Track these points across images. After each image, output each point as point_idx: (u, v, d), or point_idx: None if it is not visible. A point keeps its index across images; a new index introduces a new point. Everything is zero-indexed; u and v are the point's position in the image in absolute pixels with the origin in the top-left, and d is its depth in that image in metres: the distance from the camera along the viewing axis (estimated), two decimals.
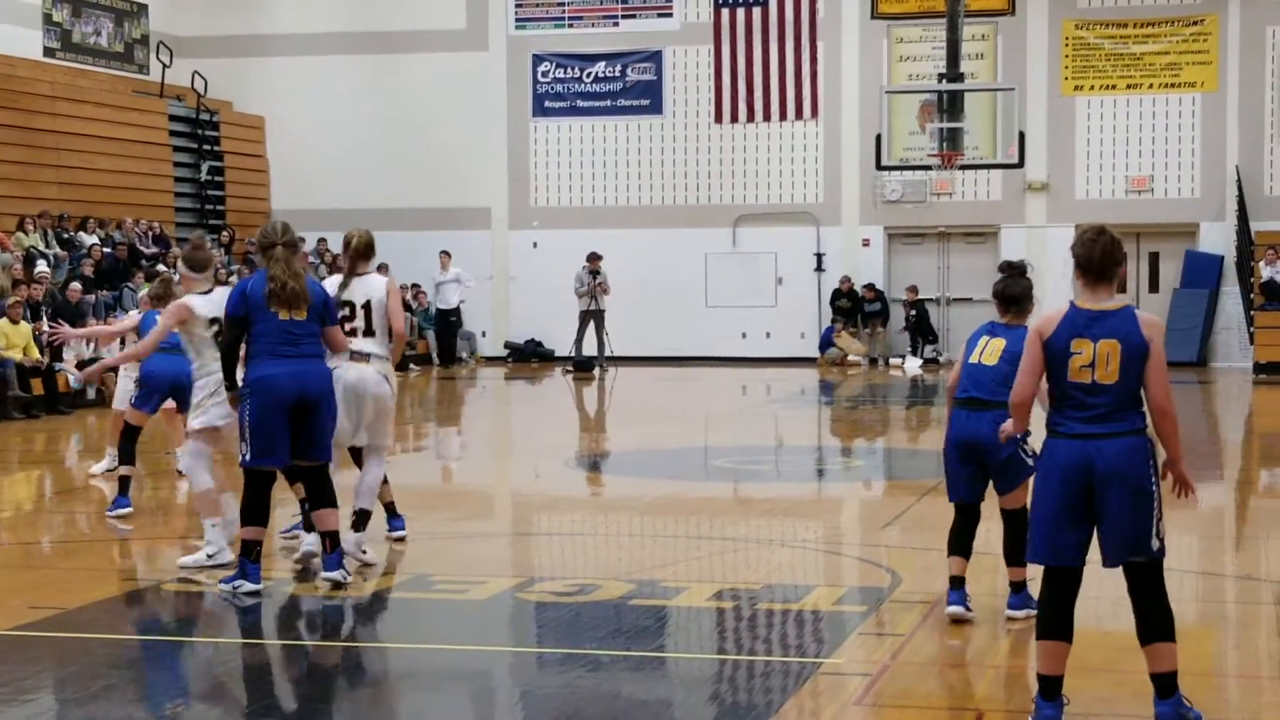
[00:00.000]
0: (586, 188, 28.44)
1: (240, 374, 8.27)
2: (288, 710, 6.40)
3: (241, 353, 8.28)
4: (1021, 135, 23.46)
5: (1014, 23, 26.83)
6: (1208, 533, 10.09)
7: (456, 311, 27.65)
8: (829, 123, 27.52)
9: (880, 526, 10.58)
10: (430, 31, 28.60)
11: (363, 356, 8.75)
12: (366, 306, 8.83)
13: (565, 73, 28.39)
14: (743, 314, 27.75)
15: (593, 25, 28.28)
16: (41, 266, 21.09)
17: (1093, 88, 26.81)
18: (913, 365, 26.50)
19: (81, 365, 17.35)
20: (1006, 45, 26.78)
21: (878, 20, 27.25)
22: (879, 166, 24.54)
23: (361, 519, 8.85)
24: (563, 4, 28.33)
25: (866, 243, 27.66)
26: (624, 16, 28.17)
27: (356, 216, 28.03)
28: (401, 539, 9.41)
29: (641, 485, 12.87)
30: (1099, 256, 5.62)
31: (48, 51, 25.61)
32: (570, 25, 28.37)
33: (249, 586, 8.10)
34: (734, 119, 27.79)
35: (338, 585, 8.23)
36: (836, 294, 27.47)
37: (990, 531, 7.94)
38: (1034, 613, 7.17)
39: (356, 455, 9.11)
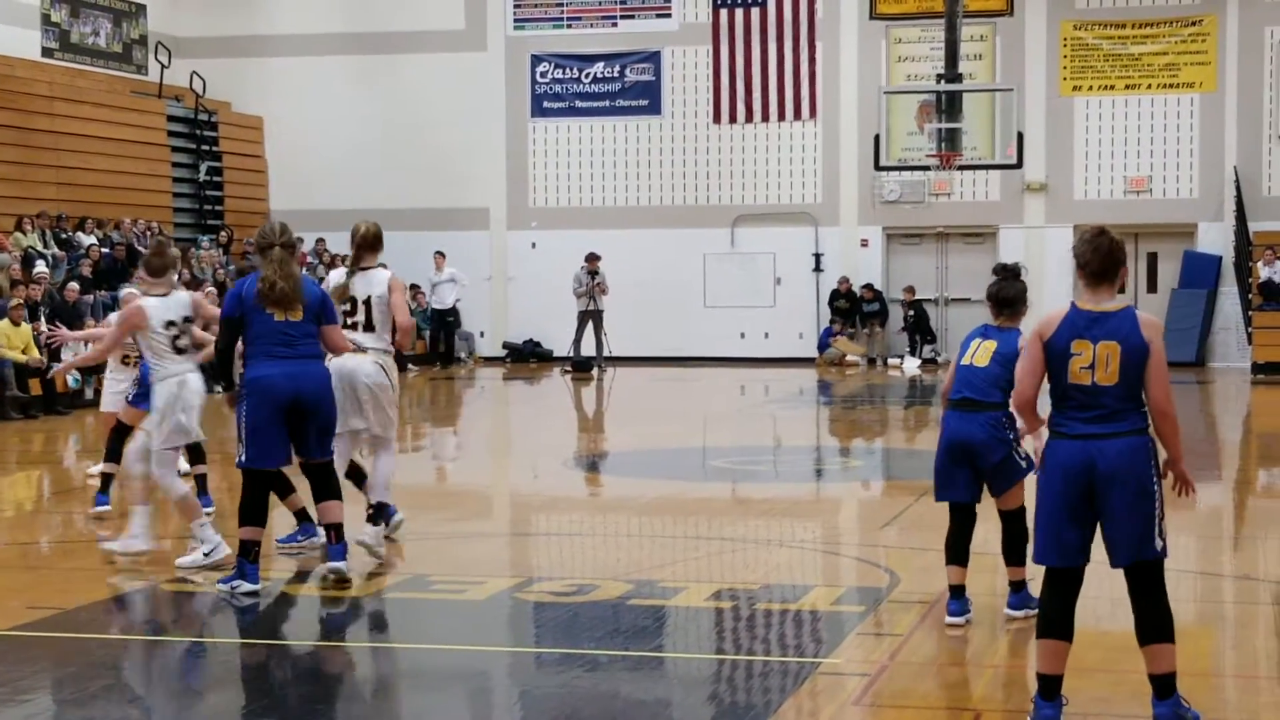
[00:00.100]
0: (585, 188, 28.44)
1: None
2: (286, 710, 6.39)
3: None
4: (1020, 136, 23.47)
5: (1012, 23, 26.84)
6: (1206, 533, 10.09)
7: (453, 312, 27.64)
8: (827, 123, 27.53)
9: (879, 527, 10.58)
10: (429, 32, 28.61)
11: (360, 350, 8.77)
12: (368, 302, 8.84)
13: (564, 73, 28.40)
14: (741, 314, 27.75)
15: (591, 26, 28.29)
16: (40, 267, 21.09)
17: (1091, 88, 26.82)
18: (911, 365, 26.51)
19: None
20: (1005, 46, 26.79)
21: (876, 21, 27.26)
22: (877, 167, 24.56)
23: (379, 512, 8.87)
24: (561, 4, 28.33)
25: (865, 243, 27.67)
26: (623, 17, 28.17)
27: (355, 217, 27.89)
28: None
29: (640, 485, 12.88)
30: (1100, 257, 5.62)
31: (46, 52, 25.60)
32: (569, 26, 28.37)
33: (247, 586, 8.11)
34: (732, 119, 27.80)
35: (342, 578, 8.25)
36: (835, 294, 27.47)
37: (989, 532, 7.94)
38: (1033, 612, 7.18)
39: (352, 475, 9.12)
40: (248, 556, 8.14)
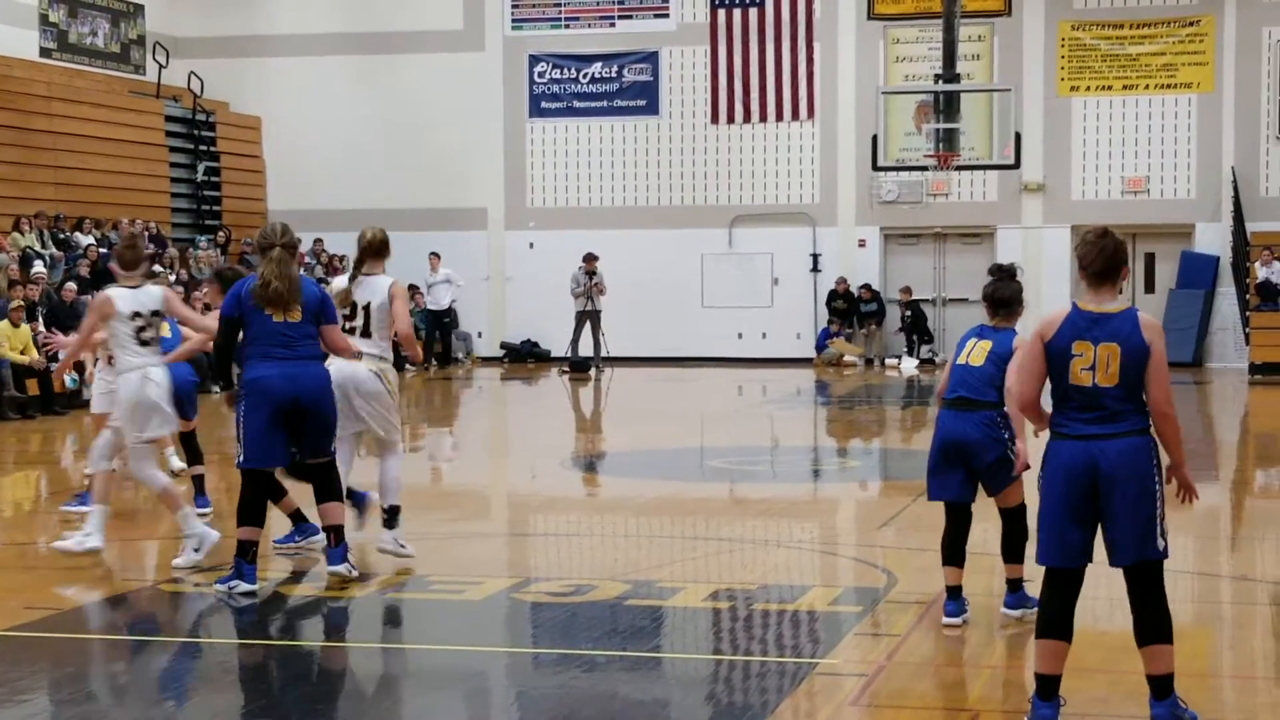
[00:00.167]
0: (583, 188, 28.44)
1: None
2: (284, 710, 6.39)
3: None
4: (1018, 136, 23.49)
5: (1010, 23, 26.85)
6: (1203, 533, 10.09)
7: (449, 312, 27.61)
8: (825, 123, 27.54)
9: (876, 527, 10.59)
10: (427, 32, 28.60)
11: (356, 356, 8.77)
12: (368, 308, 8.85)
13: (562, 73, 28.40)
14: (739, 314, 27.75)
15: (589, 26, 28.29)
16: (38, 267, 21.09)
17: (1089, 88, 26.83)
18: (909, 366, 26.51)
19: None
20: (1003, 46, 26.79)
21: (874, 21, 27.26)
22: (875, 167, 24.57)
23: (392, 515, 8.88)
24: (559, 4, 28.33)
25: (862, 243, 27.68)
26: (620, 17, 28.17)
27: (353, 217, 28.10)
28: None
29: (637, 486, 12.88)
30: (1104, 258, 5.62)
31: (44, 52, 25.60)
32: (567, 26, 28.37)
33: (244, 587, 8.11)
34: (730, 119, 27.80)
35: (343, 580, 8.26)
36: (832, 295, 27.48)
37: (987, 532, 7.95)
38: (1030, 613, 7.20)
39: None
40: (245, 557, 8.14)
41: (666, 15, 27.96)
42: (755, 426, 18.46)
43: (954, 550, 7.44)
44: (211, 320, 9.65)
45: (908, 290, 27.23)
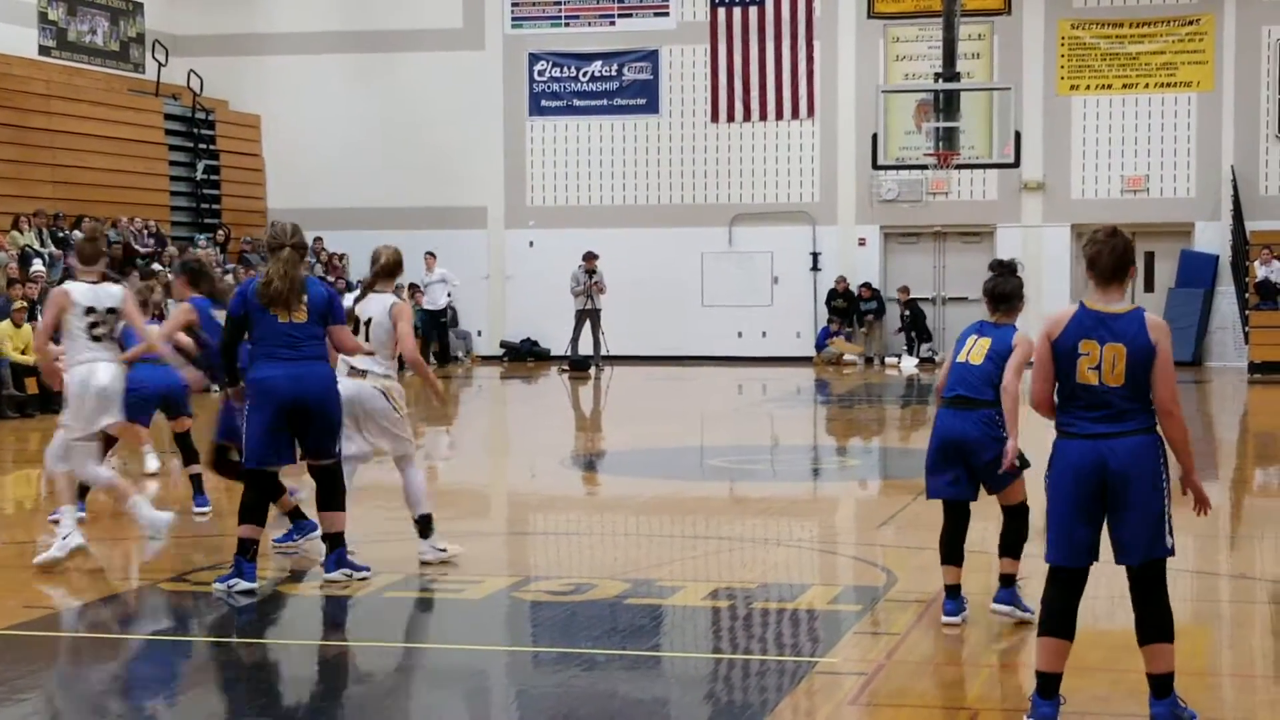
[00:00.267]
0: (583, 187, 28.44)
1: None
2: (283, 709, 6.39)
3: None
4: (1017, 135, 23.49)
5: (1010, 22, 26.85)
6: (1202, 532, 10.10)
7: (445, 312, 27.58)
8: (825, 122, 27.53)
9: (876, 526, 10.59)
10: (426, 30, 28.60)
11: (359, 373, 8.79)
12: (368, 324, 8.86)
13: (562, 72, 28.39)
14: (739, 313, 27.75)
15: (589, 24, 28.29)
16: (36, 265, 21.08)
17: (1088, 87, 26.83)
18: (908, 364, 26.51)
19: None
20: (1002, 45, 26.79)
21: (874, 20, 27.26)
22: (875, 166, 24.58)
23: (425, 524, 8.88)
24: (559, 3, 28.32)
25: (862, 242, 27.68)
26: (620, 16, 28.17)
27: (352, 216, 28.21)
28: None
29: (637, 484, 12.88)
30: (1115, 258, 5.61)
31: (43, 50, 25.60)
32: (567, 24, 28.37)
33: (244, 585, 8.11)
34: (730, 118, 27.80)
35: (342, 585, 8.28)
36: (832, 294, 27.48)
37: (986, 530, 7.95)
38: (1021, 615, 7.20)
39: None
40: (245, 555, 8.14)
41: (666, 14, 27.96)
42: (755, 425, 18.46)
43: (953, 549, 7.43)
44: (155, 329, 9.66)
45: (905, 290, 27.23)
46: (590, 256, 25.80)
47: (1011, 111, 23.57)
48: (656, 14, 28.02)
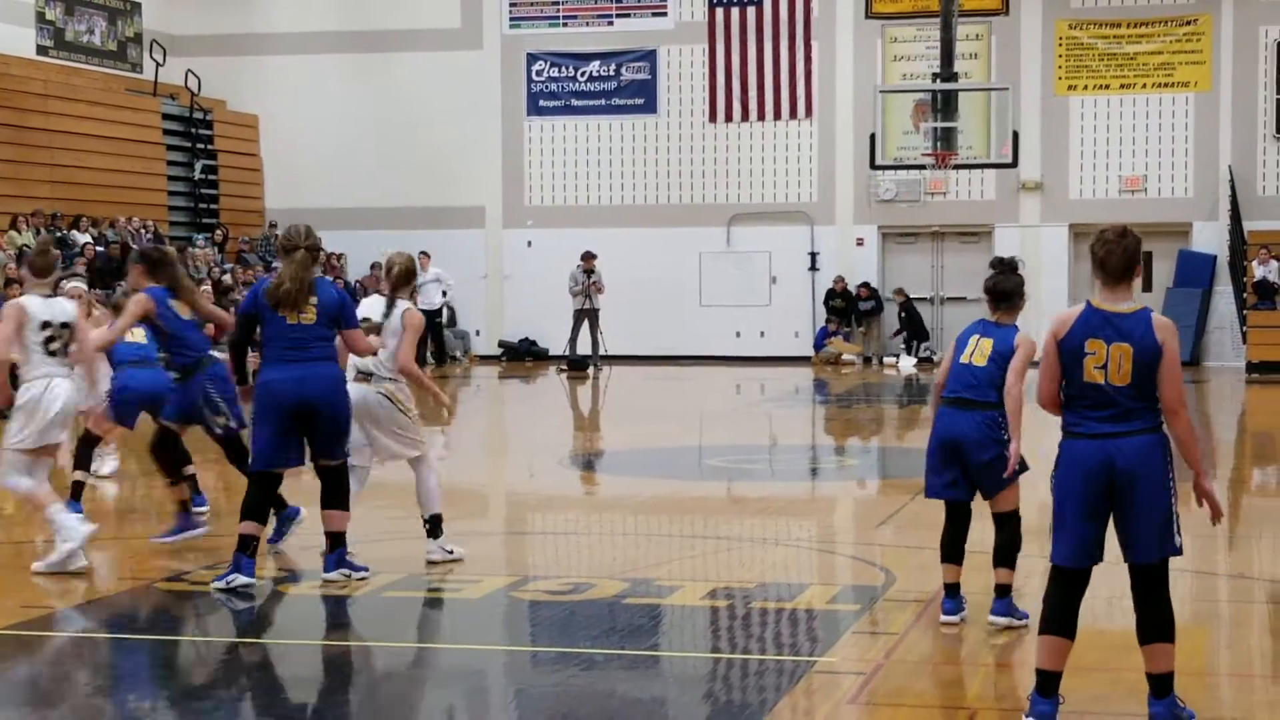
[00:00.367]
0: (581, 187, 28.44)
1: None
2: (281, 709, 6.40)
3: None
4: (1015, 135, 23.50)
5: (1008, 22, 26.86)
6: (1200, 531, 10.08)
7: (439, 312, 27.53)
8: (823, 122, 27.54)
9: (874, 525, 10.59)
10: (424, 30, 28.60)
11: (364, 376, 8.80)
12: (378, 326, 8.87)
13: (560, 72, 28.39)
14: (737, 313, 27.76)
15: (587, 24, 28.29)
16: None
17: (1086, 87, 26.84)
18: (907, 364, 26.52)
19: None
20: (1000, 45, 26.80)
21: (872, 20, 27.27)
22: (873, 166, 24.58)
23: (435, 524, 8.89)
24: (557, 3, 28.33)
25: (860, 242, 27.69)
26: (618, 15, 28.18)
27: (350, 215, 28.20)
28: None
29: (636, 484, 12.88)
30: (1126, 258, 5.61)
31: (41, 50, 25.59)
32: (565, 24, 28.36)
33: (242, 579, 8.13)
34: (728, 118, 27.81)
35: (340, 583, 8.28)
36: (830, 293, 27.49)
37: (987, 530, 7.94)
38: (1018, 623, 7.19)
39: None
40: (245, 551, 8.18)
41: (665, 14, 27.96)
42: (753, 425, 18.47)
43: (953, 548, 7.43)
44: (99, 336, 9.54)
45: (900, 292, 27.21)
46: (588, 256, 25.80)
47: (1009, 111, 23.58)
48: (654, 14, 28.02)
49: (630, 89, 28.17)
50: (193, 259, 24.66)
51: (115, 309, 10.35)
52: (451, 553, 8.93)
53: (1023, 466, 7.16)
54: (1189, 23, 26.45)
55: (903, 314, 27.25)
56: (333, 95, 28.78)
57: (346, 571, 8.36)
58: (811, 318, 27.81)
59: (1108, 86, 26.78)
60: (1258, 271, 25.25)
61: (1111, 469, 5.53)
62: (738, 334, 27.80)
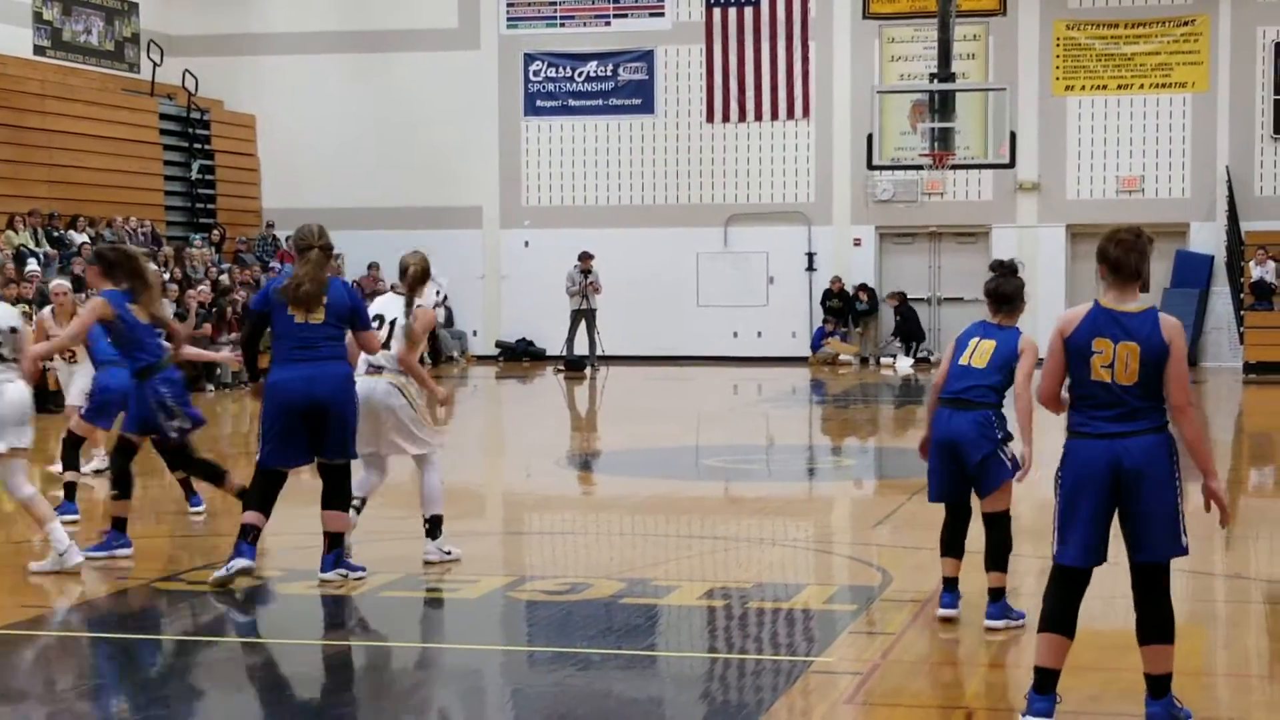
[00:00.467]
0: (578, 187, 28.44)
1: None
2: (279, 708, 6.39)
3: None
4: (1013, 135, 23.51)
5: (1005, 23, 26.87)
6: (1197, 531, 10.07)
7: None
8: (820, 122, 27.54)
9: (871, 525, 10.60)
10: (422, 30, 28.59)
11: (375, 369, 8.82)
12: (392, 323, 8.89)
13: (557, 72, 28.39)
14: (734, 313, 27.76)
15: (584, 25, 28.29)
16: (32, 265, 21.07)
17: (1084, 88, 26.85)
18: (904, 365, 26.52)
19: None
20: (998, 45, 26.81)
21: (869, 20, 27.28)
22: (870, 166, 24.59)
23: (435, 524, 8.89)
24: (554, 3, 28.32)
25: (858, 242, 27.69)
26: (616, 16, 28.18)
27: (348, 215, 28.19)
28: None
29: (633, 484, 12.88)
30: (1137, 258, 5.62)
31: (38, 50, 25.57)
32: (562, 24, 28.36)
33: (242, 563, 8.17)
34: (725, 118, 27.81)
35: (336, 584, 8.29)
36: (828, 294, 27.49)
37: (983, 529, 7.93)
38: (1014, 624, 7.19)
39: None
40: (246, 538, 8.25)
41: (662, 14, 27.96)
42: (750, 425, 18.47)
43: (953, 542, 7.43)
44: (40, 347, 9.48)
45: (896, 295, 27.19)
46: (586, 256, 25.80)
47: (1007, 112, 23.59)
48: (652, 14, 28.03)
49: (627, 89, 28.17)
50: (190, 259, 24.66)
51: None
52: (449, 554, 8.94)
53: (1015, 465, 7.16)
54: (1186, 23, 26.46)
55: (898, 317, 27.25)
56: (330, 95, 28.77)
57: (344, 571, 8.37)
58: (809, 318, 27.82)
59: (1105, 87, 26.79)
60: (1255, 272, 25.26)
61: (1118, 469, 5.53)
62: (735, 334, 27.80)
